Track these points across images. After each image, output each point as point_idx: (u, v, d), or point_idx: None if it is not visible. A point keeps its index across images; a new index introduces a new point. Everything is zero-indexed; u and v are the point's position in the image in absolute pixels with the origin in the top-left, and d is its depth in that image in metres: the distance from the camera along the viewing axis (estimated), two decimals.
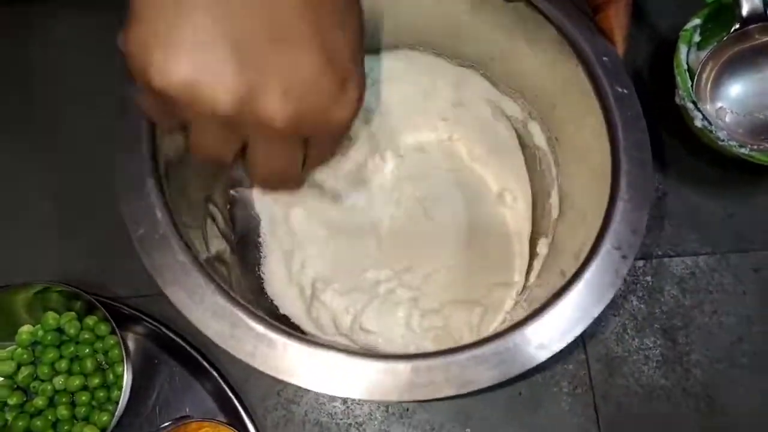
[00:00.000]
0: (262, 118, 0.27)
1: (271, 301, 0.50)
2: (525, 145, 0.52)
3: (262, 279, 0.51)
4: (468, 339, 0.47)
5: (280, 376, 0.35)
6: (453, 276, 0.51)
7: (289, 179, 0.32)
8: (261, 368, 0.35)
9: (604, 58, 0.42)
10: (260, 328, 0.36)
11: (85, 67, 0.56)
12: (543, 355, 0.37)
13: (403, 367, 0.36)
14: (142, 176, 0.38)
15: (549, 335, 0.37)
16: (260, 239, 0.52)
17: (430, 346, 0.48)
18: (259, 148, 0.29)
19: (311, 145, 0.31)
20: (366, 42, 0.49)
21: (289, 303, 0.50)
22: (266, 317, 0.37)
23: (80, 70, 0.56)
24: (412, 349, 0.48)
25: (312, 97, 0.27)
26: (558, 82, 0.45)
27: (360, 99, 0.29)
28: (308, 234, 0.51)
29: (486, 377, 0.36)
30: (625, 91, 0.42)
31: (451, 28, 0.48)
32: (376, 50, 0.52)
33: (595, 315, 0.37)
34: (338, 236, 0.52)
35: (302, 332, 0.48)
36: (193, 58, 0.26)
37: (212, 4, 0.26)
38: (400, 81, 0.53)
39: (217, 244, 0.48)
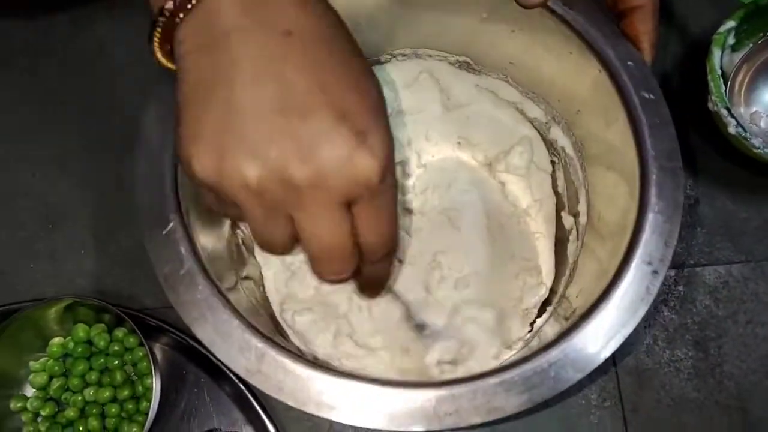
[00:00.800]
0: (287, 185, 0.28)
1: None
2: (551, 147, 0.52)
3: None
4: (487, 346, 0.47)
5: (308, 410, 0.36)
6: (480, 283, 0.50)
7: (344, 258, 0.31)
8: (289, 402, 0.36)
9: (629, 63, 0.41)
10: (286, 362, 0.36)
11: (127, 84, 0.57)
12: (573, 378, 0.36)
13: (428, 396, 0.35)
14: (165, 213, 0.39)
15: (578, 357, 0.36)
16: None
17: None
18: (301, 221, 0.30)
19: (360, 215, 0.30)
20: (382, 48, 0.50)
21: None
22: (290, 348, 0.37)
23: (119, 84, 0.58)
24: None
25: (328, 153, 0.27)
26: (581, 88, 0.44)
27: (386, 149, 0.29)
28: None
29: (514, 403, 0.35)
30: (653, 96, 0.41)
31: (469, 35, 0.48)
32: (392, 57, 0.52)
33: (626, 334, 0.37)
34: None
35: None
36: (216, 146, 0.28)
37: (230, 95, 0.28)
38: (418, 88, 0.53)
39: (247, 267, 0.49)
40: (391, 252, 0.34)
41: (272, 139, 0.27)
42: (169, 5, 0.28)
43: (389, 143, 0.30)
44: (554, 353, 0.36)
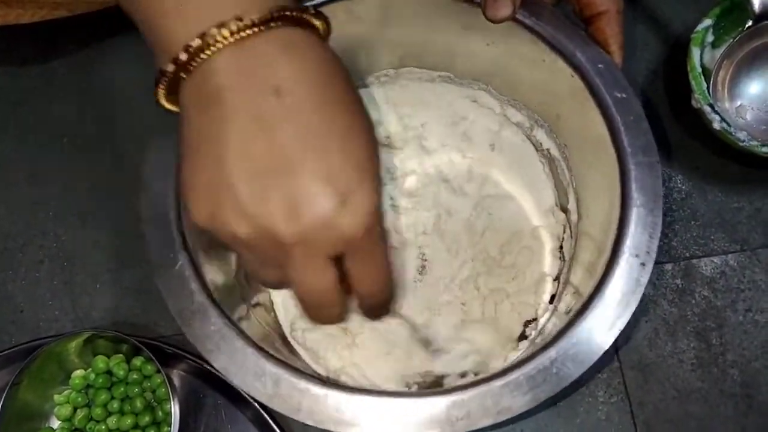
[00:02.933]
0: (274, 242, 0.29)
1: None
2: (539, 149, 0.53)
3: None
4: (493, 353, 0.48)
5: (327, 427, 0.37)
6: (483, 298, 0.52)
7: (332, 305, 0.33)
8: (308, 422, 0.37)
9: (600, 66, 0.43)
10: (301, 383, 0.38)
11: (134, 122, 0.59)
12: (574, 374, 0.37)
13: (440, 403, 0.37)
14: (173, 253, 0.41)
15: (577, 352, 0.37)
16: None
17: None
18: (290, 272, 0.31)
19: (350, 267, 0.32)
20: (367, 71, 0.51)
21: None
22: (305, 370, 0.39)
23: (123, 124, 0.59)
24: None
25: (312, 213, 0.29)
26: (557, 93, 0.46)
27: (369, 207, 0.30)
28: None
29: (521, 403, 0.37)
30: (624, 95, 0.42)
31: (448, 50, 0.49)
32: (376, 79, 0.53)
33: (622, 326, 0.38)
34: None
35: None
36: (209, 199, 0.30)
37: (225, 152, 0.29)
38: (408, 102, 0.54)
39: (257, 295, 0.51)
40: (387, 298, 0.35)
41: (260, 199, 0.29)
42: (171, 68, 0.29)
43: (374, 200, 0.30)
44: (554, 351, 0.37)
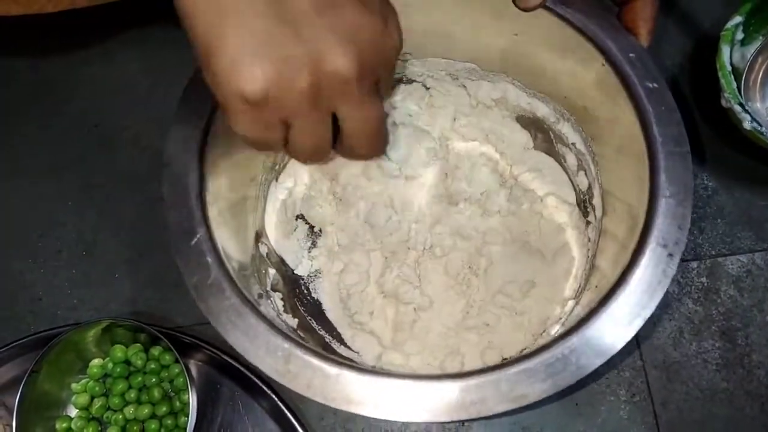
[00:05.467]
0: (338, 75, 0.30)
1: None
2: (564, 144, 0.52)
3: (320, 302, 0.53)
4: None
5: (335, 405, 0.37)
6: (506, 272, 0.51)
7: (384, 132, 0.36)
8: (317, 399, 0.37)
9: (631, 55, 0.42)
10: (313, 361, 0.38)
11: (148, 114, 0.59)
12: (595, 363, 0.36)
13: (453, 387, 0.36)
14: (192, 227, 0.41)
15: (599, 342, 0.37)
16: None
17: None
18: (351, 110, 0.33)
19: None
20: None
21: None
22: (316, 348, 0.39)
23: (141, 115, 0.60)
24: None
25: (365, 39, 0.31)
26: (585, 83, 0.45)
27: (399, 26, 0.33)
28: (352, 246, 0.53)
29: (538, 390, 0.36)
30: (656, 85, 0.41)
31: (474, 41, 0.49)
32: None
33: (646, 317, 0.37)
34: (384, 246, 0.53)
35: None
36: (262, 57, 0.29)
37: (258, 6, 0.29)
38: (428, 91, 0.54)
39: (272, 277, 0.51)
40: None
41: (313, 38, 0.30)
42: None
43: (397, 17, 0.33)
44: (574, 339, 0.37)
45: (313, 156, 0.35)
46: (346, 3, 0.30)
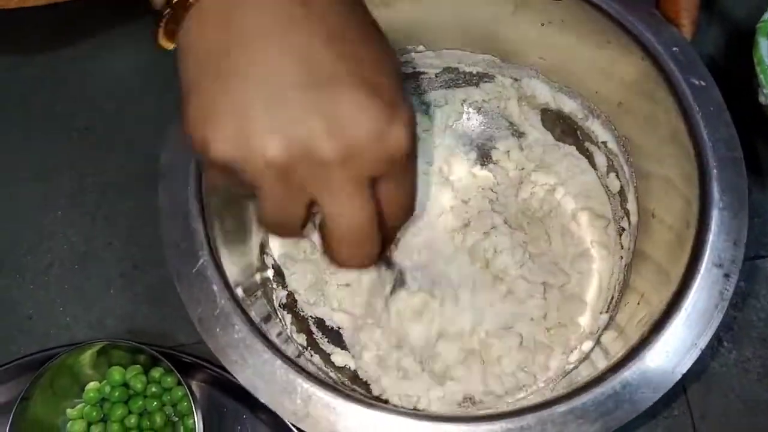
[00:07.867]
0: (316, 163, 0.27)
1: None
2: (593, 143, 0.49)
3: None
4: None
5: None
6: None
7: (371, 240, 0.30)
8: None
9: (674, 49, 0.39)
10: (337, 403, 0.35)
11: (141, 117, 0.57)
12: (650, 399, 0.34)
13: (493, 429, 0.34)
14: (194, 249, 0.38)
15: (653, 376, 0.34)
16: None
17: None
18: (327, 202, 0.28)
19: (385, 190, 0.29)
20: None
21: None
22: (337, 386, 0.36)
23: (134, 117, 0.57)
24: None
25: (361, 128, 0.27)
26: (621, 78, 0.43)
27: (414, 120, 0.29)
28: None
29: None
30: (703, 83, 0.39)
31: (495, 30, 0.47)
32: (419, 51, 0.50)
33: (703, 346, 0.35)
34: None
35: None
36: (237, 123, 0.27)
37: (248, 67, 0.27)
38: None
39: (279, 294, 0.48)
40: (405, 221, 0.33)
41: (300, 115, 0.26)
42: None
43: (414, 114, 0.29)
44: (627, 373, 0.34)
45: (278, 231, 0.31)
46: (346, 84, 0.27)
